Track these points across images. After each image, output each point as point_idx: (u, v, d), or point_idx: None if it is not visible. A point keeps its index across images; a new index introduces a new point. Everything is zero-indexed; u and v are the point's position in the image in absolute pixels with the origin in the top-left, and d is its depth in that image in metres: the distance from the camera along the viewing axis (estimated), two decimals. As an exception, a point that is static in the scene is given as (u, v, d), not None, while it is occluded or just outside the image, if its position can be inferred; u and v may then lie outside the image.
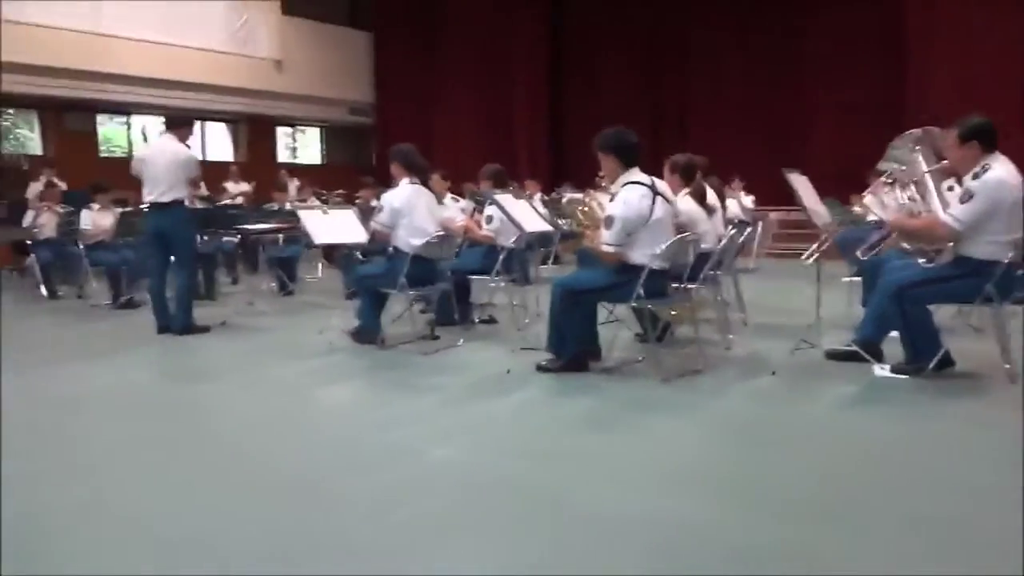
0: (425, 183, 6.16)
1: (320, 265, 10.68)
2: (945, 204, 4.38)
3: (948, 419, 3.86)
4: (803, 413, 4.02)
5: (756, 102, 14.35)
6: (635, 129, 4.86)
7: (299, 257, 9.34)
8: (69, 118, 14.17)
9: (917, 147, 4.55)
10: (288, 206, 9.62)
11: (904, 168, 4.66)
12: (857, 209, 8.69)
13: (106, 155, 15.07)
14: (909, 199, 4.62)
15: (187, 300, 6.32)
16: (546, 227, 5.83)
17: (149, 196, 6.21)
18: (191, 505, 2.92)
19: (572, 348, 4.74)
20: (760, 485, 3.03)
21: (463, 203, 7.76)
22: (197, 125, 15.17)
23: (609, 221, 4.53)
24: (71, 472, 3.29)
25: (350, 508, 2.85)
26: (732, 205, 9.27)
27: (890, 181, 4.90)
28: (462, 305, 6.17)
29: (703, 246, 5.18)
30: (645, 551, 2.48)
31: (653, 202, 4.53)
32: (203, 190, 11.87)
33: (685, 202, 5.41)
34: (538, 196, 10.63)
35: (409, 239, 5.64)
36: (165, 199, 6.12)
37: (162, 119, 6.63)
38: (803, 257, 5.71)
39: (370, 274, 5.87)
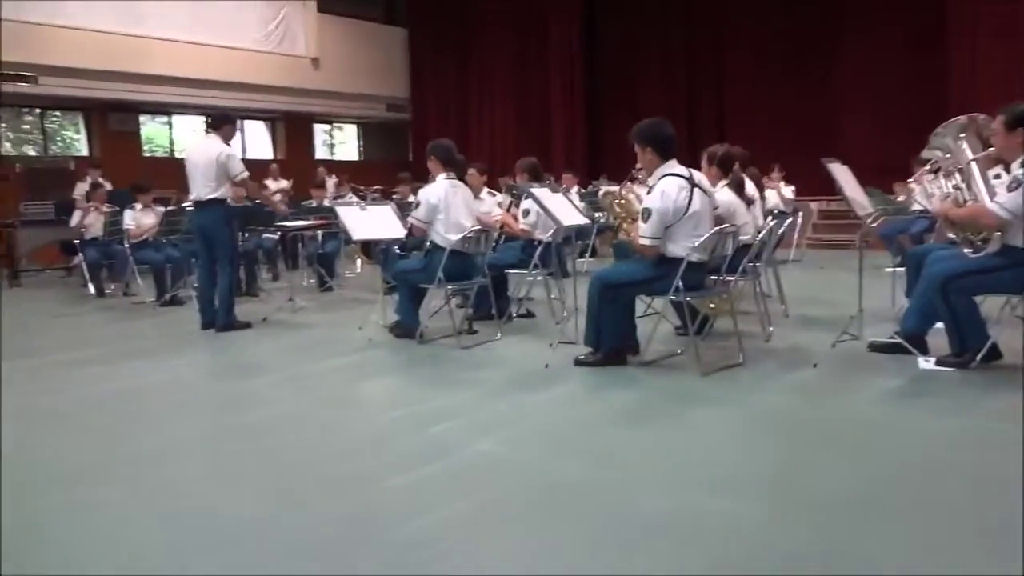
0: (462, 178, 6.19)
1: (359, 261, 10.79)
2: (992, 192, 4.28)
3: (995, 413, 3.77)
4: (845, 407, 3.96)
5: (795, 91, 14.11)
6: (672, 120, 4.83)
7: (338, 253, 9.44)
8: (113, 119, 14.46)
9: (962, 135, 4.45)
10: (326, 203, 9.71)
11: (949, 156, 4.56)
12: (901, 197, 8.56)
13: (148, 155, 15.35)
14: (954, 188, 4.52)
15: (228, 298, 6.41)
16: (583, 220, 5.80)
17: (192, 195, 6.37)
18: (233, 500, 2.98)
19: (610, 342, 4.73)
20: (800, 480, 3.00)
21: (499, 197, 7.76)
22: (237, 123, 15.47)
23: (647, 214, 4.50)
24: (116, 467, 3.37)
25: (389, 503, 2.88)
26: (771, 196, 9.19)
27: (934, 170, 4.81)
28: (500, 299, 6.18)
29: (742, 238, 5.13)
30: (684, 547, 2.47)
31: (691, 194, 4.49)
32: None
33: (723, 194, 5.35)
34: (575, 189, 10.62)
35: (446, 234, 5.66)
36: (205, 198, 6.23)
37: (204, 119, 6.64)
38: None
39: (408, 269, 5.90)
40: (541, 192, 5.55)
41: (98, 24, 12.95)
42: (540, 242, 6.20)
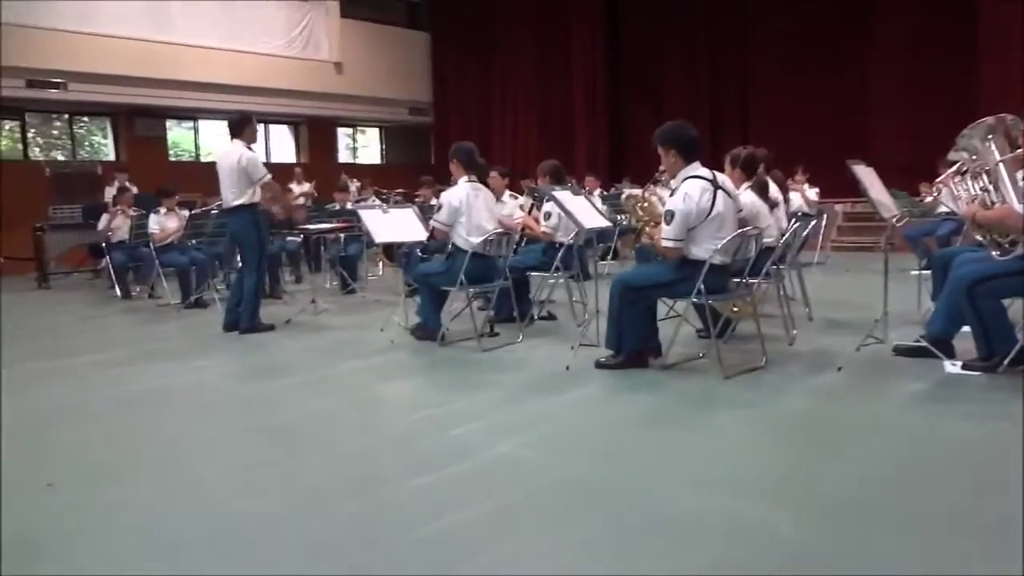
0: (484, 181, 6.20)
1: (381, 263, 10.83)
2: (1020, 194, 4.22)
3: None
4: (870, 411, 3.91)
5: (820, 92, 13.98)
6: (695, 122, 4.82)
7: (360, 256, 9.49)
8: (139, 124, 14.63)
9: (990, 136, 4.38)
10: (349, 206, 9.77)
11: (976, 158, 4.50)
12: (928, 199, 8.46)
13: (174, 159, 15.51)
14: (981, 190, 4.47)
15: (252, 301, 6.46)
16: (604, 223, 5.79)
17: (222, 201, 6.43)
18: (256, 500, 3.00)
19: (632, 344, 4.72)
20: (824, 485, 2.98)
21: (521, 200, 7.77)
22: (261, 128, 15.61)
23: (670, 216, 4.49)
24: (142, 467, 3.41)
25: (412, 504, 2.89)
26: (795, 198, 9.11)
27: (962, 171, 4.75)
28: (521, 302, 6.18)
29: (765, 240, 5.10)
30: (706, 550, 2.46)
31: (714, 196, 4.47)
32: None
33: (746, 196, 5.33)
34: (597, 192, 10.60)
35: (468, 237, 5.68)
36: (232, 203, 6.29)
37: (226, 123, 6.63)
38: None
39: (430, 272, 5.92)
40: (563, 195, 5.55)
41: (126, 31, 13.12)
42: (561, 245, 6.20)
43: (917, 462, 3.18)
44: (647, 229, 5.07)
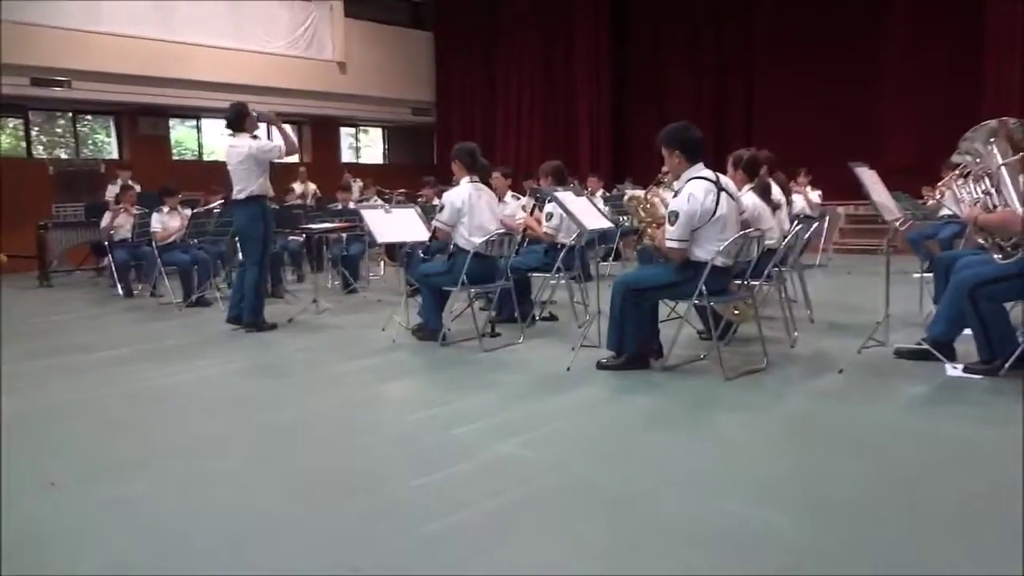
0: (486, 181, 6.21)
1: (383, 263, 10.84)
2: (1022, 198, 4.22)
3: (1025, 420, 3.72)
4: (871, 413, 3.91)
5: (824, 95, 13.94)
6: (698, 124, 4.82)
7: (362, 255, 9.50)
8: (143, 123, 14.66)
9: (992, 139, 4.39)
10: (351, 205, 9.78)
11: (979, 161, 4.50)
12: (930, 202, 8.46)
13: (178, 158, 15.53)
14: (984, 193, 4.46)
15: (254, 296, 6.45)
16: (606, 224, 5.79)
17: (232, 195, 6.43)
18: (258, 498, 3.01)
19: (633, 346, 4.72)
20: (824, 487, 2.98)
21: (524, 200, 7.77)
22: (263, 127, 15.62)
23: (673, 216, 4.49)
24: (144, 464, 3.41)
25: (412, 503, 2.89)
26: (798, 200, 9.10)
27: (964, 174, 4.74)
28: (522, 302, 6.19)
29: (767, 242, 5.10)
30: (707, 552, 2.46)
31: (718, 198, 4.47)
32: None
33: (748, 197, 5.33)
34: (600, 193, 10.60)
35: (470, 237, 5.68)
36: (240, 196, 6.30)
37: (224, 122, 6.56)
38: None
39: (431, 272, 5.93)
40: (565, 195, 5.55)
41: (130, 30, 13.13)
42: (563, 245, 6.21)
43: (918, 465, 3.18)
44: (649, 230, 5.07)
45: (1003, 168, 4.32)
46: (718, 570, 2.34)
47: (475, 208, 5.75)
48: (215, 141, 15.62)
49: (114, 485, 3.14)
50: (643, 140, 15.06)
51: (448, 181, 6.40)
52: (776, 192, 5.75)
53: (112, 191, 11.04)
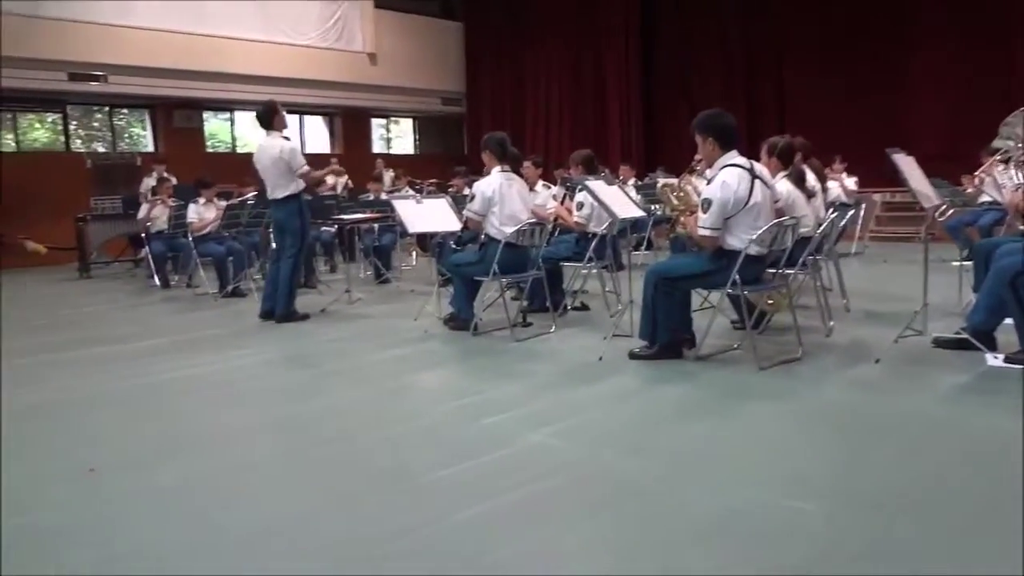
0: (517, 171, 6.19)
1: (414, 253, 10.89)
2: (1066, 182, 4.12)
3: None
4: (908, 404, 3.85)
5: (859, 79, 13.71)
6: (731, 111, 4.76)
7: (394, 246, 9.54)
8: (178, 116, 14.84)
9: (1034, 123, 4.29)
10: (383, 196, 9.82)
11: (1020, 146, 4.40)
12: (969, 190, 8.30)
13: (211, 150, 15.70)
14: (1025, 178, 4.37)
15: (288, 287, 6.52)
16: (638, 213, 5.75)
17: (268, 195, 6.51)
18: (283, 489, 3.04)
19: (665, 335, 4.69)
20: (861, 479, 2.94)
21: (554, 190, 7.75)
22: (296, 119, 15.75)
23: (707, 204, 4.44)
24: (176, 453, 3.46)
25: (442, 493, 2.90)
26: (833, 187, 8.98)
27: (1004, 159, 4.64)
28: (554, 292, 6.18)
29: (802, 230, 5.03)
30: (738, 544, 2.44)
31: (752, 185, 4.42)
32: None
33: (783, 185, 5.26)
34: (631, 181, 10.53)
35: (501, 227, 5.68)
36: (277, 196, 6.36)
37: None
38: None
39: (463, 262, 5.94)
40: (596, 184, 5.52)
41: (164, 24, 13.31)
42: (595, 235, 6.18)
43: (957, 457, 3.13)
44: (682, 219, 5.03)
45: (1046, 153, 4.23)
46: (748, 560, 2.32)
47: (506, 198, 5.75)
48: (248, 133, 15.77)
49: (146, 474, 3.19)
50: (674, 128, 14.95)
51: (479, 171, 6.39)
52: (811, 179, 5.67)
53: (147, 184, 11.20)
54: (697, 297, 5.12)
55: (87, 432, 3.82)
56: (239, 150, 15.81)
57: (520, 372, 4.69)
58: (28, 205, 11.91)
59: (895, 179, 5.10)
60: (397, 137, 19.32)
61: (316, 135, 17.37)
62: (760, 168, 4.67)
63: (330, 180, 13.53)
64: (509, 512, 2.71)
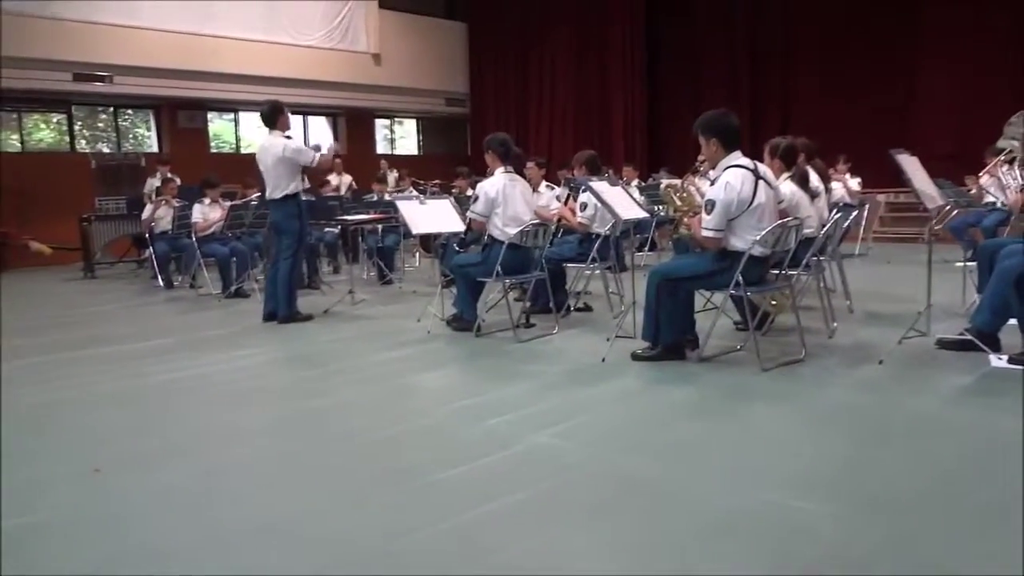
0: (520, 171, 6.20)
1: (418, 254, 10.90)
2: (1071, 184, 4.12)
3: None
4: (912, 405, 3.85)
5: (863, 80, 13.70)
6: (734, 111, 4.76)
7: (397, 247, 9.55)
8: (182, 116, 14.87)
9: (1038, 124, 4.28)
10: (387, 197, 9.84)
11: (1024, 146, 4.39)
12: (973, 191, 8.29)
13: (215, 151, 15.73)
14: (1030, 179, 4.36)
15: (286, 287, 6.52)
16: (641, 214, 5.75)
17: (267, 194, 6.51)
18: (287, 489, 3.04)
19: (668, 336, 4.69)
20: (864, 480, 2.93)
21: (558, 190, 7.75)
22: (300, 119, 15.75)
23: (710, 205, 4.44)
24: (181, 453, 3.47)
25: (446, 494, 2.91)
26: (837, 188, 8.97)
27: (1009, 160, 4.64)
28: (557, 293, 6.18)
29: (805, 231, 5.03)
30: (742, 545, 2.44)
31: (756, 186, 4.42)
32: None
33: (786, 186, 5.26)
34: (635, 182, 10.53)
35: (504, 228, 5.68)
36: (276, 196, 6.36)
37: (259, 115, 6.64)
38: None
39: (466, 263, 5.94)
40: (599, 185, 5.52)
41: (169, 24, 13.35)
42: (598, 236, 6.18)
43: (960, 458, 3.12)
44: (685, 219, 5.03)
45: (1051, 154, 4.22)
46: (752, 561, 2.32)
47: (509, 199, 5.75)
48: (252, 134, 15.80)
49: (151, 473, 3.20)
50: (678, 129, 14.90)
51: (482, 172, 6.40)
52: (815, 180, 5.67)
53: (152, 184, 11.22)
54: (700, 298, 5.12)
55: (92, 432, 3.83)
56: (243, 151, 15.84)
57: (523, 373, 4.70)
58: (33, 205, 11.94)
59: (898, 179, 5.09)
60: (401, 138, 19.34)
61: (320, 136, 17.38)
62: (764, 169, 4.67)
63: (334, 181, 13.56)
64: (514, 512, 2.71)
